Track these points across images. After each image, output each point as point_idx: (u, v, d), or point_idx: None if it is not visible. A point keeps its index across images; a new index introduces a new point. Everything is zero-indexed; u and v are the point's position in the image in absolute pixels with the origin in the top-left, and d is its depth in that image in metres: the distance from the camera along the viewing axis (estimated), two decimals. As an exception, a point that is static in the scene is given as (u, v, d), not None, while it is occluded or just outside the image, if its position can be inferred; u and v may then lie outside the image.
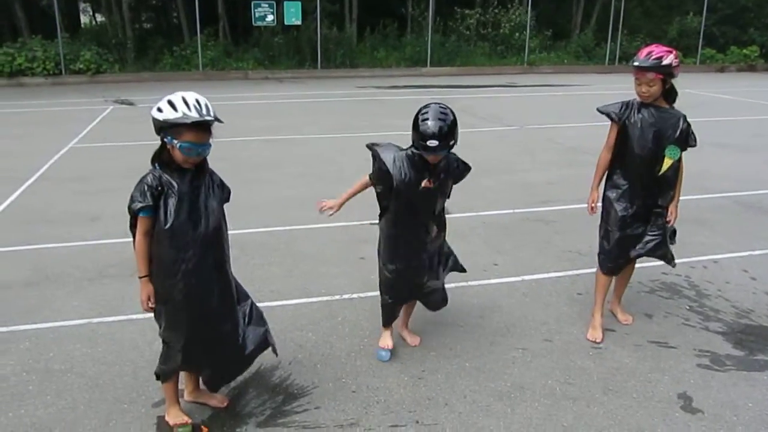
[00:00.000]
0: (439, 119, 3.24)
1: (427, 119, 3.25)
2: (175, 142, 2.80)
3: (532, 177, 8.07)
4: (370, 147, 3.58)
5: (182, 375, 3.27)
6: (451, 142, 3.30)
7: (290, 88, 18.24)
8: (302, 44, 21.98)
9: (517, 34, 23.55)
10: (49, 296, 4.63)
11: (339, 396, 3.43)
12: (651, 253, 4.02)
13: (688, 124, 3.85)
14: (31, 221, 6.34)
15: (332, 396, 3.42)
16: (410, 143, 3.41)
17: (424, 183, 3.42)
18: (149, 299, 2.93)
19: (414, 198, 3.46)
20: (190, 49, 21.05)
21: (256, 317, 3.21)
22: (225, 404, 3.34)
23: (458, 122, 3.34)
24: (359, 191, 3.65)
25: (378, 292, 3.81)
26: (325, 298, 4.59)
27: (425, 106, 3.32)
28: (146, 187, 2.80)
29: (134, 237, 2.90)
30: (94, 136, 10.86)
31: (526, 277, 4.97)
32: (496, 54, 23.72)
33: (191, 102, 2.78)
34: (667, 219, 3.96)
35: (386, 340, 3.85)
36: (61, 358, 3.79)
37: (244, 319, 3.15)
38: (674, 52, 3.74)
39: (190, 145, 2.81)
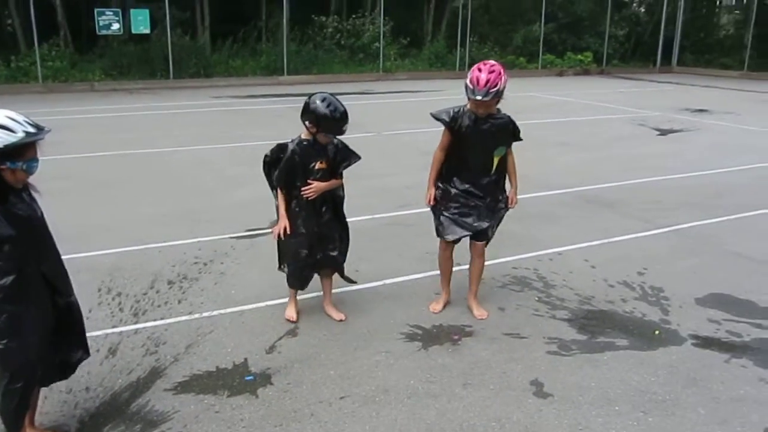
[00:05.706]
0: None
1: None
2: (20, 163, 2.66)
3: (391, 182, 8.25)
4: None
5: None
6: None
7: (141, 99, 17.40)
8: (153, 54, 21.05)
9: (376, 44, 23.97)
10: None
11: (202, 418, 3.32)
12: (476, 236, 4.33)
13: (514, 124, 4.21)
14: None
15: (194, 419, 3.31)
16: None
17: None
18: None
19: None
20: (29, 60, 19.55)
21: None
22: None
23: None
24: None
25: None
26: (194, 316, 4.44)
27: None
28: None
29: None
30: None
31: (388, 281, 5.07)
32: (353, 62, 24.00)
33: (19, 118, 2.65)
34: (510, 204, 4.33)
35: (291, 311, 4.39)
36: None
37: None
38: (502, 70, 3.92)
39: (35, 162, 2.74)
